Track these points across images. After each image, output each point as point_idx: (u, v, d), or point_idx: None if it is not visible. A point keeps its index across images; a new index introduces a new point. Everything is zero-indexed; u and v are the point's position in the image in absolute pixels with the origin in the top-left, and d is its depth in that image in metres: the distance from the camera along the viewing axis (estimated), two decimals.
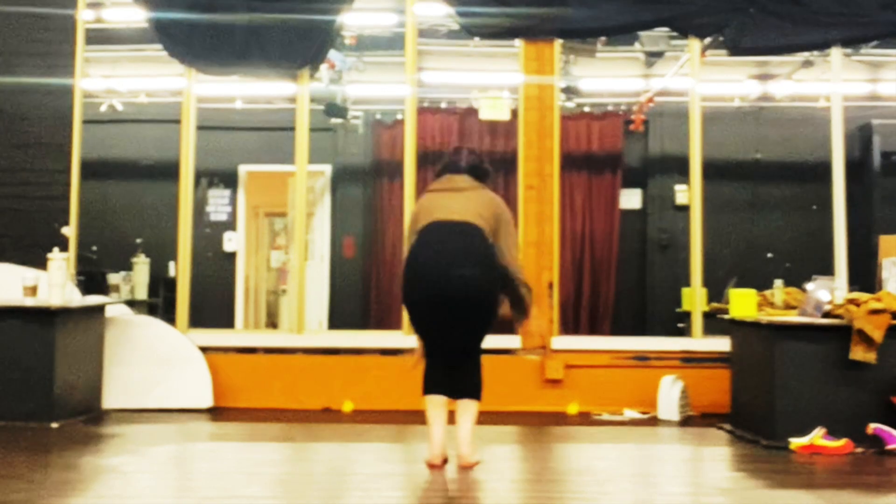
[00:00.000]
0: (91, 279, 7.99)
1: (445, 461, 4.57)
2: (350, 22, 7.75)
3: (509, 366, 6.67)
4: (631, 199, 9.71)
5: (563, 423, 6.29)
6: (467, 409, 4.51)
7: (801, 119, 9.12)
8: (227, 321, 9.49)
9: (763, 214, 9.47)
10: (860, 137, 9.18)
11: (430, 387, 4.57)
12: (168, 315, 7.34)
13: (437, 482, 4.44)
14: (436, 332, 4.57)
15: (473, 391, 4.54)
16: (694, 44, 7.14)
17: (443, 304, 4.43)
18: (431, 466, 4.55)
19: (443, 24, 7.84)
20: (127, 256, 9.20)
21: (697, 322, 6.96)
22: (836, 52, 7.13)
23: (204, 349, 6.67)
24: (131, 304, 8.10)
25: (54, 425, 5.66)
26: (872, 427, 5.20)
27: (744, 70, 9.04)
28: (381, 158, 9.72)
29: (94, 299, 6.70)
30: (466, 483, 4.38)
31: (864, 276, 7.58)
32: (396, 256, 8.21)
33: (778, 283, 7.21)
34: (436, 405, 4.53)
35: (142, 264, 9.16)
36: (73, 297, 6.37)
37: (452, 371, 4.54)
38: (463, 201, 4.57)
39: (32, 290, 6.02)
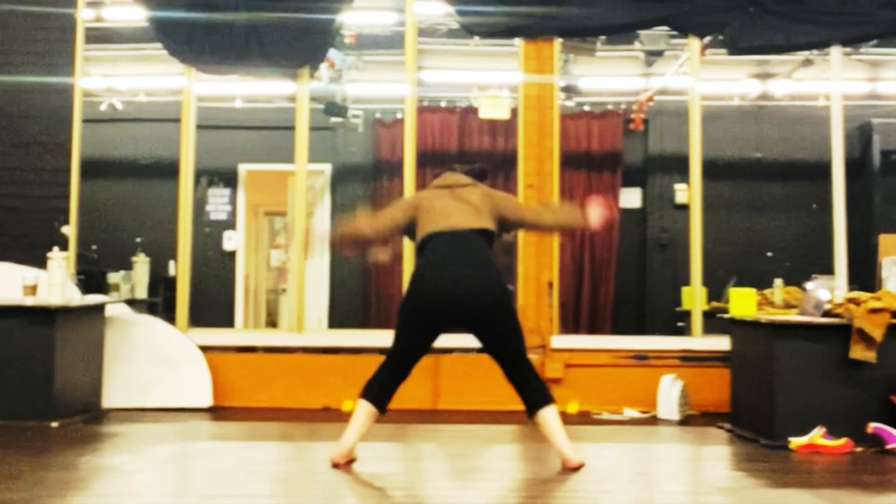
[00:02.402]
0: (91, 278, 7.98)
1: (353, 460, 4.58)
2: (350, 21, 7.76)
3: None
4: (631, 198, 9.71)
5: (562, 422, 6.24)
6: (551, 416, 4.54)
7: (801, 118, 9.12)
8: (226, 320, 9.49)
9: (763, 213, 9.47)
10: (860, 136, 9.18)
11: (372, 396, 4.53)
12: (168, 314, 7.34)
13: (436, 482, 4.44)
14: (424, 344, 4.60)
15: (548, 397, 4.57)
16: (693, 43, 7.14)
17: (465, 319, 4.50)
18: (336, 465, 4.52)
19: (442, 23, 7.85)
20: (127, 255, 9.20)
21: (697, 321, 6.95)
22: (835, 51, 7.12)
23: (204, 348, 6.67)
24: (131, 303, 8.08)
25: (54, 424, 5.65)
26: (872, 426, 5.19)
27: (743, 69, 9.04)
28: (381, 157, 9.73)
29: (94, 298, 6.69)
30: (466, 483, 4.39)
31: (864, 275, 7.58)
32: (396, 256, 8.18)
33: (778, 282, 7.22)
34: (368, 414, 4.53)
35: (142, 263, 9.16)
36: (73, 297, 6.36)
37: (519, 387, 4.56)
38: (461, 203, 4.66)
39: (32, 290, 6.02)
